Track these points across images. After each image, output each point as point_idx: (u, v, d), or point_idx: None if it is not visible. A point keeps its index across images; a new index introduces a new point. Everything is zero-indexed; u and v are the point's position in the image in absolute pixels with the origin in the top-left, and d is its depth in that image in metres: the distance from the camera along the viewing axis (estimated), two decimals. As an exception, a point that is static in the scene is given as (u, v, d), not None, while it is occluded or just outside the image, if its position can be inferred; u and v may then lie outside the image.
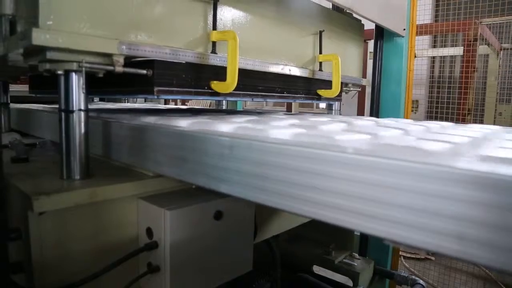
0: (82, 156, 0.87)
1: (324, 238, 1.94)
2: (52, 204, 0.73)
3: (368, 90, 2.36)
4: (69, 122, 0.85)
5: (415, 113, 4.67)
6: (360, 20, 1.97)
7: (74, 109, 0.85)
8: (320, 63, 1.66)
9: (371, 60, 2.22)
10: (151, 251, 0.85)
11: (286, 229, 1.33)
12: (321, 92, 1.69)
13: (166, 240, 0.83)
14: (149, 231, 0.87)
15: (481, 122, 4.57)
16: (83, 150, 0.87)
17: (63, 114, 0.85)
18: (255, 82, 1.34)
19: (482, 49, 4.32)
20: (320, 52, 1.64)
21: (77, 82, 0.84)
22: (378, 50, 2.16)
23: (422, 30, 3.87)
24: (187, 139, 0.75)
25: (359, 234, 2.12)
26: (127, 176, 0.91)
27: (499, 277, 3.54)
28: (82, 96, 0.86)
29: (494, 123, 4.56)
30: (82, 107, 0.86)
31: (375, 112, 2.19)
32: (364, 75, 2.32)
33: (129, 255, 0.83)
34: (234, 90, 1.10)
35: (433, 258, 4.02)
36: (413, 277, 1.96)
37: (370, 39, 2.51)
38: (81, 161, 0.87)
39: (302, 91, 1.62)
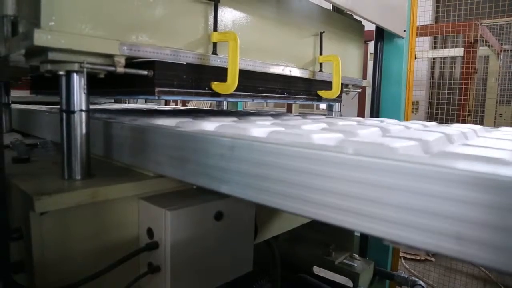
0: (83, 156, 0.87)
1: (324, 239, 1.94)
2: (54, 204, 0.74)
3: (369, 91, 2.37)
4: (70, 122, 0.85)
5: (416, 114, 4.68)
6: (361, 21, 1.97)
7: (75, 109, 0.85)
8: (321, 64, 1.66)
9: (372, 61, 2.23)
10: (152, 251, 0.85)
11: (286, 230, 1.33)
12: (321, 93, 1.70)
13: (167, 240, 0.83)
14: (149, 231, 0.87)
15: (481, 123, 4.57)
16: (84, 150, 0.87)
17: (64, 114, 0.86)
18: (256, 83, 1.35)
19: (482, 50, 4.33)
20: (321, 53, 1.64)
21: (78, 83, 0.85)
22: (378, 51, 2.17)
23: (422, 31, 3.88)
24: (188, 139, 0.75)
25: (359, 235, 2.12)
26: (128, 176, 0.91)
27: (499, 278, 3.54)
28: (83, 96, 0.86)
29: (495, 125, 4.57)
30: (83, 108, 0.86)
31: (375, 113, 2.20)
32: (364, 76, 2.33)
33: (129, 255, 0.83)
34: (235, 91, 1.11)
35: (433, 259, 4.02)
36: (413, 278, 1.96)
37: (370, 40, 2.52)
38: (82, 161, 0.87)
39: (303, 92, 1.62)
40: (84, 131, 0.87)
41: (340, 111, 2.07)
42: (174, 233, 0.83)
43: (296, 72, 1.51)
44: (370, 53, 3.03)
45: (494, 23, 4.62)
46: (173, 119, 1.02)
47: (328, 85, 1.68)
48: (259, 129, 0.79)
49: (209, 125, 0.89)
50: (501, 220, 0.38)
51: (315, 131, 0.82)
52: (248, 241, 1.03)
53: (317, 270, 1.93)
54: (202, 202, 0.89)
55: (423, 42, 4.77)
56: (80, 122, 0.86)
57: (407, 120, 2.19)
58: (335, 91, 1.62)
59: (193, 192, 0.95)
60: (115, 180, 0.87)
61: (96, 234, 0.83)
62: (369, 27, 2.03)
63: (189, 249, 0.86)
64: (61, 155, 0.87)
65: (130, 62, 0.98)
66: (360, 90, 2.12)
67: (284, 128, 0.86)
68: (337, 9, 1.84)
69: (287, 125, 1.00)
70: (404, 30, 2.10)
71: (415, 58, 2.52)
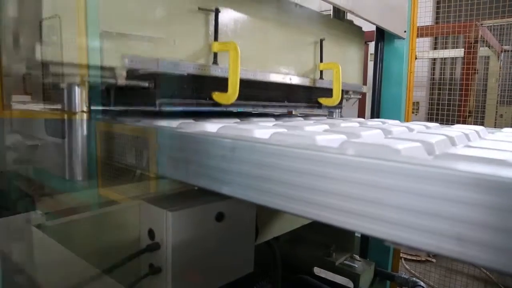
0: (85, 158, 0.88)
1: (325, 240, 1.94)
2: (55, 205, 0.74)
3: (369, 92, 2.37)
4: (72, 124, 0.86)
5: (416, 115, 4.67)
6: (361, 27, 1.97)
7: (77, 110, 0.86)
8: (321, 71, 1.66)
9: (372, 62, 2.23)
10: (153, 252, 0.85)
11: (287, 231, 1.33)
12: (322, 100, 1.70)
13: (168, 241, 0.83)
14: (151, 233, 0.87)
15: (482, 124, 4.57)
16: (86, 151, 0.88)
17: (65, 115, 0.86)
18: (256, 92, 1.35)
19: (483, 51, 4.32)
20: (321, 61, 1.64)
21: (79, 95, 0.85)
22: (378, 52, 2.17)
23: (423, 32, 3.88)
24: (189, 140, 0.76)
25: (359, 236, 2.12)
26: (129, 177, 0.91)
27: (499, 279, 3.54)
28: (84, 107, 0.86)
29: (495, 125, 4.57)
30: (85, 109, 0.87)
31: (376, 113, 2.20)
32: (365, 77, 2.33)
33: (130, 256, 0.83)
34: (235, 100, 1.11)
35: (434, 260, 4.02)
36: (414, 279, 1.96)
37: (371, 41, 2.52)
38: (83, 162, 0.87)
39: (303, 100, 1.62)
40: (85, 132, 0.87)
41: (340, 112, 2.08)
42: (175, 234, 0.83)
43: (296, 80, 1.51)
44: (371, 54, 3.02)
45: (495, 24, 4.62)
46: (175, 120, 1.03)
47: (328, 92, 1.67)
48: (262, 130, 0.79)
49: (212, 127, 0.89)
50: (502, 221, 0.38)
51: (318, 132, 0.81)
52: (249, 242, 1.03)
53: (317, 271, 1.92)
54: (203, 203, 0.89)
55: (424, 43, 4.76)
56: (82, 124, 0.86)
57: (407, 121, 2.19)
58: (336, 98, 1.62)
59: (194, 193, 0.96)
60: (116, 181, 0.87)
61: (97, 235, 0.83)
62: (369, 27, 2.03)
63: (190, 250, 0.86)
64: (62, 156, 0.88)
65: (131, 74, 0.98)
66: (360, 96, 2.12)
67: (287, 129, 0.86)
68: (337, 15, 1.84)
69: (289, 127, 1.00)
70: (405, 31, 2.10)
71: (416, 58, 2.52)
